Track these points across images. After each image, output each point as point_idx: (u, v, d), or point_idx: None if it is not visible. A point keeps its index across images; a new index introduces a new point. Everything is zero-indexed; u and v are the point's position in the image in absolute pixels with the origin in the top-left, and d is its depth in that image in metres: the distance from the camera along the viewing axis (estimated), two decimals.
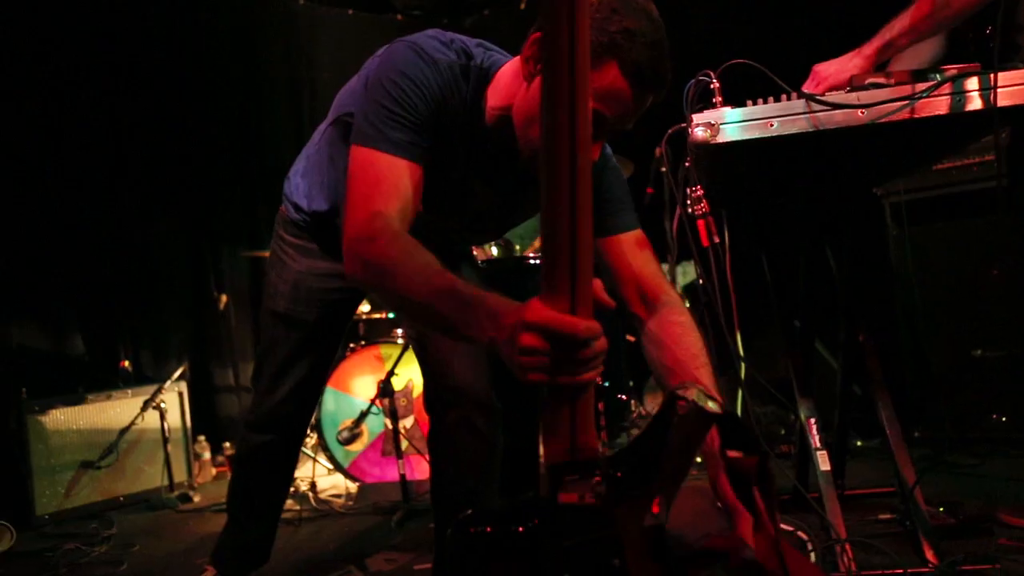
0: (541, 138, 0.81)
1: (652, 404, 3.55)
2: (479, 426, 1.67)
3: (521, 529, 0.87)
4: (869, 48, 1.69)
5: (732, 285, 1.78)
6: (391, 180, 1.24)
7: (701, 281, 2.03)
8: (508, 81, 1.34)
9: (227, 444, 4.15)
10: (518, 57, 1.31)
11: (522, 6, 5.13)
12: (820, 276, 2.13)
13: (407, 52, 1.31)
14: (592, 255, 0.86)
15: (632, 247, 1.44)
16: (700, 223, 1.68)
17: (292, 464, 1.98)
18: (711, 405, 0.90)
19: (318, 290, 1.75)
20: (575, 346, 0.87)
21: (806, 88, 1.68)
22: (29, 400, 3.17)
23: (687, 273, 3.83)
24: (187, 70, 4.43)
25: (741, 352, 1.76)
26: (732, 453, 1.02)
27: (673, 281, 2.92)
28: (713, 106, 1.56)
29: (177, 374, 3.66)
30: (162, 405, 3.48)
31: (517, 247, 3.43)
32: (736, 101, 1.56)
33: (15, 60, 3.65)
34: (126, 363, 3.92)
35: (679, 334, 1.34)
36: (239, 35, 4.76)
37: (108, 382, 3.61)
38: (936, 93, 1.50)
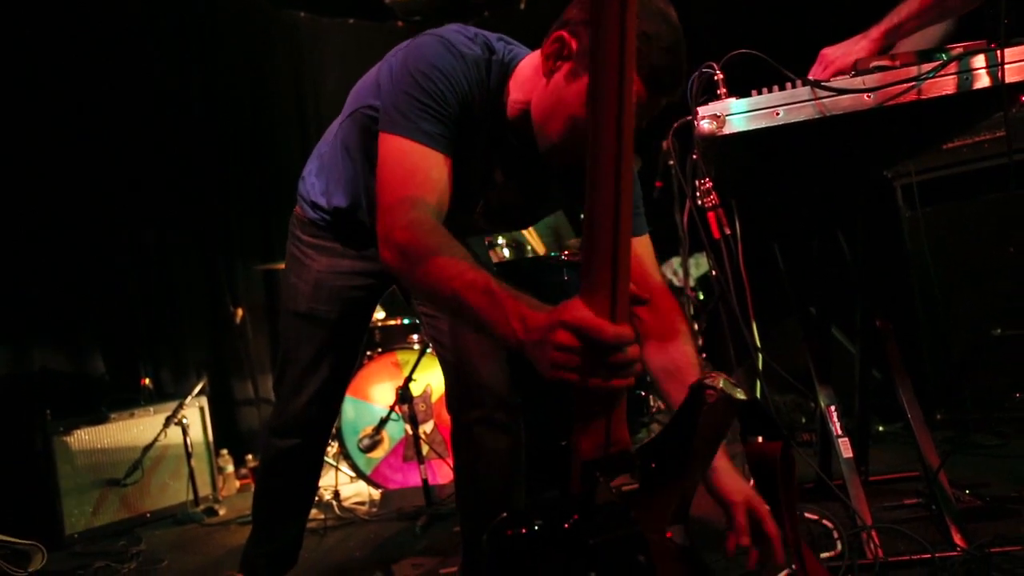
0: (589, 138, 0.80)
1: None
2: (502, 423, 1.67)
3: (566, 527, 0.88)
4: (876, 31, 1.68)
5: (746, 276, 1.77)
6: (425, 171, 1.26)
7: (714, 273, 2.03)
8: (528, 75, 1.37)
9: (249, 457, 4.18)
10: (537, 51, 1.35)
11: (522, 6, 5.14)
12: (834, 262, 2.12)
13: (437, 45, 1.33)
14: (630, 257, 0.87)
15: (643, 251, 1.45)
16: (711, 215, 1.68)
17: (318, 467, 1.98)
18: (738, 393, 0.92)
19: (340, 288, 1.76)
20: (610, 350, 0.87)
21: (813, 73, 1.67)
22: (54, 421, 3.21)
23: (700, 265, 3.82)
24: (196, 86, 4.48)
25: (758, 342, 1.76)
26: (754, 440, 1.03)
27: (686, 274, 2.92)
28: (718, 98, 1.56)
29: (197, 389, 3.69)
30: (184, 421, 3.51)
31: (529, 248, 3.43)
32: (741, 91, 1.56)
33: (28, 80, 3.69)
34: (147, 380, 3.96)
35: (680, 343, 1.39)
36: (246, 50, 4.81)
37: (130, 400, 3.64)
38: (943, 73, 1.49)
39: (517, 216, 1.69)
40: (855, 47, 1.67)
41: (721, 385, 0.91)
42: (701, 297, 3.69)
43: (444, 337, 1.72)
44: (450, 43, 1.34)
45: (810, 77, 1.59)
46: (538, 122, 1.33)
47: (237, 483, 3.92)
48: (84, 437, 3.27)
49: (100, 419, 3.35)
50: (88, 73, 3.92)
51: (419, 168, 1.25)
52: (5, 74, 3.57)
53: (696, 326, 3.28)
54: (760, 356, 1.72)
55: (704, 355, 3.13)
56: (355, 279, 1.75)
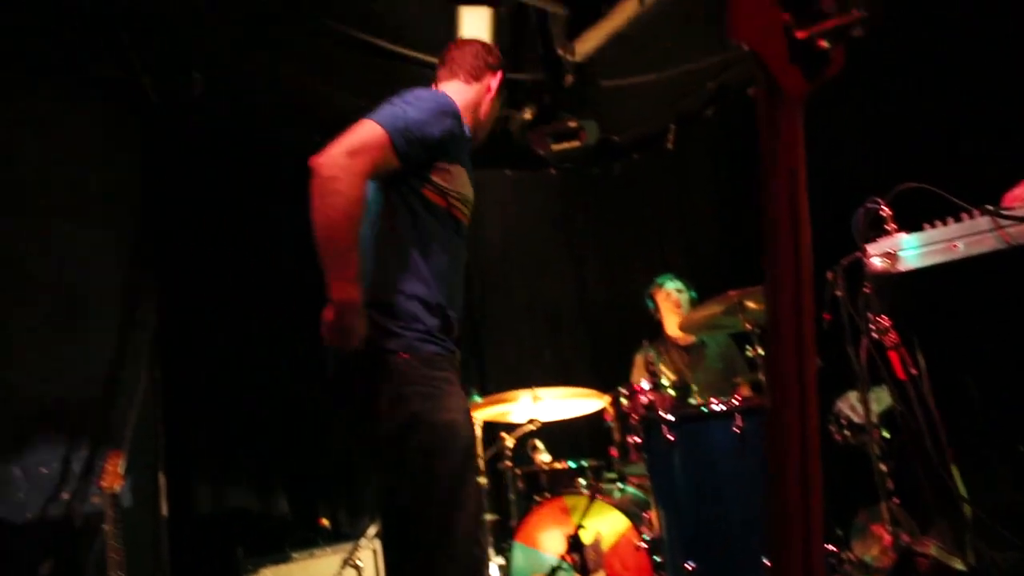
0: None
1: (861, 550, 3.23)
2: None
3: None
4: None
5: (939, 416, 1.65)
6: (380, 152, 1.75)
7: (898, 410, 1.90)
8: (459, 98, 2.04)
9: None
10: (455, 81, 2.16)
11: (670, 146, 5.28)
12: None
13: (434, 94, 1.97)
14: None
15: None
16: (893, 355, 1.60)
17: None
18: (955, 563, 0.85)
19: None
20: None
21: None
22: (244, 560, 3.41)
23: (880, 400, 3.55)
24: None
25: (963, 491, 1.60)
26: None
27: (867, 411, 2.73)
28: (887, 233, 1.52)
29: (372, 531, 3.80)
30: (359, 563, 3.61)
31: (694, 389, 3.36)
32: (911, 226, 1.52)
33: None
34: (325, 521, 4.14)
35: None
36: None
37: (310, 540, 3.81)
38: None
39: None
40: None
41: (934, 553, 0.85)
42: (886, 435, 3.41)
43: None
44: (444, 97, 2.05)
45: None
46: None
47: None
48: None
49: (284, 558, 3.52)
50: (279, 240, 4.41)
51: (376, 146, 1.78)
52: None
53: (884, 468, 3.02)
54: (967, 506, 1.56)
55: (896, 501, 2.86)
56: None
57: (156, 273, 3.97)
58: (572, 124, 4.97)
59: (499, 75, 2.18)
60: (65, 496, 3.61)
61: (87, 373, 3.74)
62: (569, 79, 5.08)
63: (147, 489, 3.76)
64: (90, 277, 3.83)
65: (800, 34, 0.68)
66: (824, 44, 0.68)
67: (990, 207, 1.49)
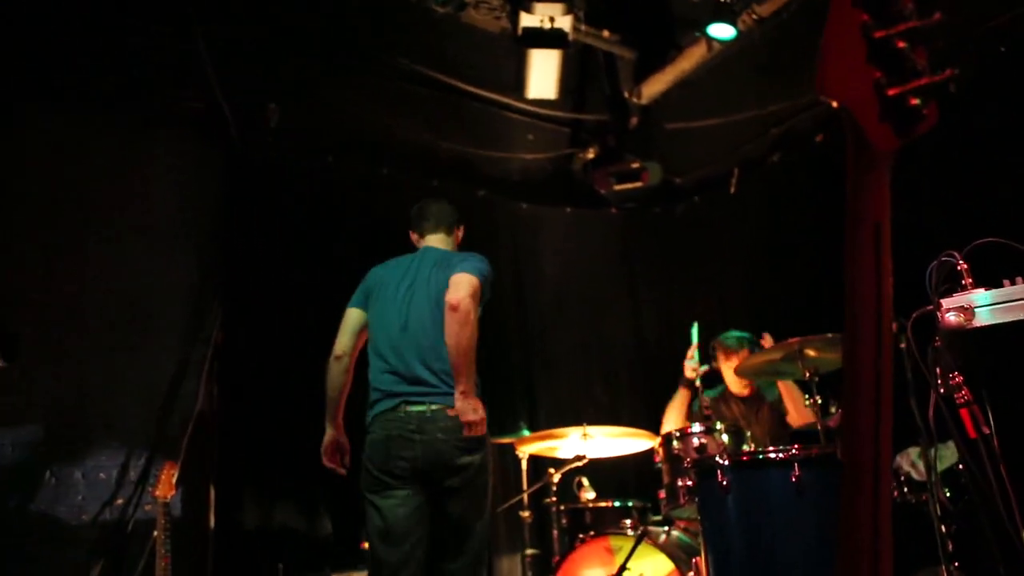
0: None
1: None
2: None
3: None
4: None
5: (1008, 478, 1.60)
6: (480, 294, 2.76)
7: (962, 468, 1.85)
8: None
9: None
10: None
11: (732, 190, 5.27)
12: None
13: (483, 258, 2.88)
14: None
15: None
16: (964, 412, 1.57)
17: None
18: None
19: None
20: None
21: None
22: None
23: (944, 458, 3.44)
24: None
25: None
26: None
27: (928, 469, 2.65)
28: (963, 288, 1.50)
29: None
30: None
31: (748, 435, 3.31)
32: (989, 282, 1.50)
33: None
34: (367, 544, 4.16)
35: None
36: (472, 242, 5.28)
37: (350, 563, 3.83)
38: None
39: None
40: None
41: None
42: (948, 494, 3.29)
43: None
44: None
45: None
46: None
47: None
48: None
49: None
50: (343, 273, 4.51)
51: None
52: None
53: (944, 529, 2.91)
54: None
55: (957, 565, 2.75)
56: None
57: (224, 294, 4.11)
58: (635, 165, 5.02)
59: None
60: (120, 502, 3.73)
61: (150, 384, 3.88)
62: (634, 121, 5.15)
63: (197, 501, 3.85)
64: (161, 294, 4.00)
65: (892, 91, 0.69)
66: (916, 101, 0.69)
67: None
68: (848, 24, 0.71)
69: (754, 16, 4.43)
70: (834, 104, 0.72)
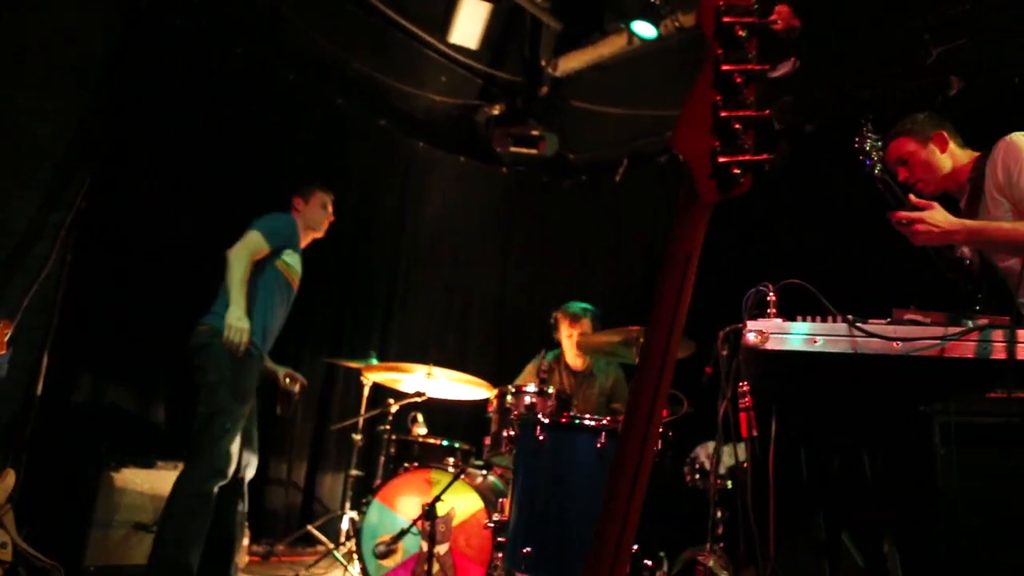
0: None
1: None
2: None
3: None
4: (976, 225, 2.07)
5: (772, 478, 1.93)
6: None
7: (745, 465, 2.18)
8: None
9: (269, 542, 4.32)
10: None
11: (617, 179, 5.55)
12: (856, 480, 2.23)
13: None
14: None
15: None
16: (743, 415, 1.88)
17: None
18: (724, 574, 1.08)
19: None
20: None
21: (911, 198, 2.02)
22: (107, 455, 3.45)
23: (732, 454, 3.92)
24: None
25: (772, 548, 1.89)
26: None
27: (718, 461, 3.04)
28: (767, 316, 1.79)
29: None
30: None
31: (574, 403, 3.62)
32: (788, 314, 1.80)
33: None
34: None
35: None
36: (364, 166, 5.30)
37: (180, 452, 3.86)
38: (966, 338, 1.70)
39: None
40: (955, 227, 1.97)
41: (711, 565, 1.08)
42: (729, 486, 3.77)
43: None
44: None
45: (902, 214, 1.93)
46: None
47: (246, 558, 4.03)
48: (129, 477, 3.48)
49: (148, 463, 3.56)
50: (226, 165, 4.43)
51: None
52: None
53: (719, 514, 3.35)
54: (770, 565, 1.85)
55: (722, 545, 3.19)
56: None
57: (94, 159, 3.92)
58: (535, 132, 5.20)
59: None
60: None
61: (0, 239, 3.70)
62: (544, 90, 5.31)
63: (28, 365, 3.73)
64: (26, 143, 3.77)
65: (722, 159, 0.90)
66: (736, 171, 0.90)
67: (849, 318, 1.78)
68: (704, 99, 0.91)
69: (677, 24, 4.68)
70: (681, 156, 0.93)
